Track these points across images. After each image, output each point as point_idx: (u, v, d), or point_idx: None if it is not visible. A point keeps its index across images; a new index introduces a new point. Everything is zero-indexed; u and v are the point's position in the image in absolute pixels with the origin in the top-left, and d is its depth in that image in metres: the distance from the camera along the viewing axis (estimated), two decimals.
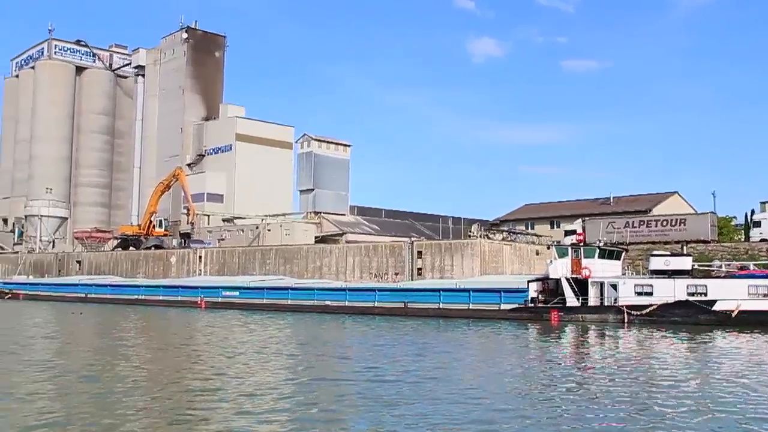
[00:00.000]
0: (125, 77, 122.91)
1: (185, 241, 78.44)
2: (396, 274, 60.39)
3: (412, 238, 68.46)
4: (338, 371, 19.75)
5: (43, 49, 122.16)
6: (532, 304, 44.28)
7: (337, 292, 54.25)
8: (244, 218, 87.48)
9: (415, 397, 15.35)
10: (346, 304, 52.11)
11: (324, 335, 33.13)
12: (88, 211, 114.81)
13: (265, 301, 56.00)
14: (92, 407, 13.83)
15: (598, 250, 44.16)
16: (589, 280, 42.90)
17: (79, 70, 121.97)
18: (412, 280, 57.82)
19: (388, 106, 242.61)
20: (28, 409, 13.65)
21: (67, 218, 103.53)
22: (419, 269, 59.78)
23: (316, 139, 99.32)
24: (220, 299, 58.61)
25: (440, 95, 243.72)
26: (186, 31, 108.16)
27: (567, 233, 66.53)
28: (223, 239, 79.90)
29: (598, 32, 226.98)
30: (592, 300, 42.56)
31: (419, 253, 58.91)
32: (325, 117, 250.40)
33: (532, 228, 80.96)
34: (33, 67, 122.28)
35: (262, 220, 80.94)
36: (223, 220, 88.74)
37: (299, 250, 65.53)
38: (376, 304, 50.51)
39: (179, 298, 61.41)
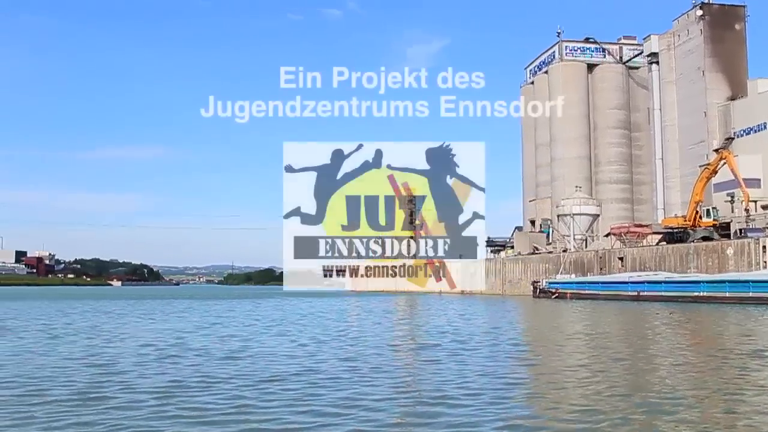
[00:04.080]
0: (636, 68, 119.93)
1: (740, 231, 71.40)
2: None
3: None
4: None
5: (554, 52, 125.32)
6: None
7: None
8: None
9: None
10: None
11: None
12: (611, 208, 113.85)
13: None
14: None
15: None
16: None
17: (590, 67, 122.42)
18: None
19: None
20: None
21: (598, 215, 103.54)
22: None
23: None
24: None
25: None
26: (700, 8, 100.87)
27: None
28: None
29: None
30: None
31: None
32: None
33: None
34: (546, 72, 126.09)
35: None
36: (762, 207, 79.85)
37: None
38: None
39: (750, 294, 55.24)
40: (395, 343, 25.06)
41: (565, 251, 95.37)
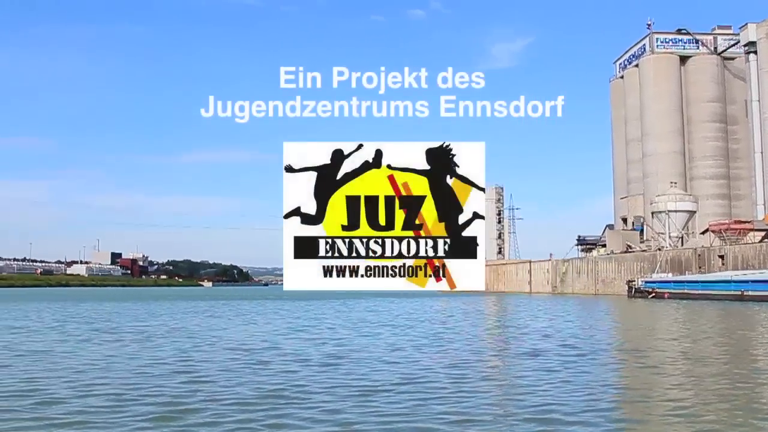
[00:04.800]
0: (732, 59, 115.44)
1: None
2: None
3: None
4: None
5: (644, 45, 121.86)
6: None
7: None
8: None
9: None
10: None
11: None
12: (707, 204, 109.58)
13: None
14: None
15: None
16: None
17: (683, 59, 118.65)
18: None
19: None
20: None
21: (695, 212, 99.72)
22: None
23: None
24: None
25: None
26: None
27: None
28: None
29: None
30: None
31: None
32: None
33: None
34: (636, 65, 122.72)
35: None
36: None
37: None
38: None
39: None
40: (499, 347, 24.01)
41: (660, 249, 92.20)
